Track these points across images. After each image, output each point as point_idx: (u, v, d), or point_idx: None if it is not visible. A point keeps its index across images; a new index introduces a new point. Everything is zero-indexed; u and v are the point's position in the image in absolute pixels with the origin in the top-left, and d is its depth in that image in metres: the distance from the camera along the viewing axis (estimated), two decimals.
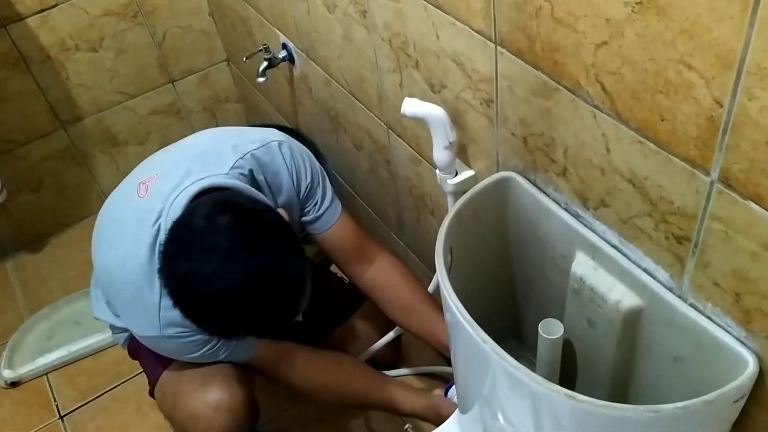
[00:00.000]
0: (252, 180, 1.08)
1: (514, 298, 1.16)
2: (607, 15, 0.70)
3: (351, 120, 1.47)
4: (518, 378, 0.77)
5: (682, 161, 0.71)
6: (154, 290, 0.99)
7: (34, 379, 1.79)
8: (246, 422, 1.16)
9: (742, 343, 0.75)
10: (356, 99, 1.39)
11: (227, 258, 0.87)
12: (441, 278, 0.87)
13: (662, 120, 0.70)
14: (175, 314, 0.95)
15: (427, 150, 1.22)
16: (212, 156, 1.07)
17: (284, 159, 1.12)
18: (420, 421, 1.32)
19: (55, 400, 1.74)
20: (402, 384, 1.33)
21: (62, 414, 1.71)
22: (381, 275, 1.26)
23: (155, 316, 1.00)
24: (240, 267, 0.87)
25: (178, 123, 2.14)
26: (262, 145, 1.11)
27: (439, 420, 1.20)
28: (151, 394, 1.25)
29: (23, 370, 1.79)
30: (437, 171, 1.11)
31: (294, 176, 1.13)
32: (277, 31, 1.59)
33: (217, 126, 2.14)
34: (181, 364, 1.16)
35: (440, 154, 1.06)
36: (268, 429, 1.57)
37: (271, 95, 1.91)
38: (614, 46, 0.71)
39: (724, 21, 0.58)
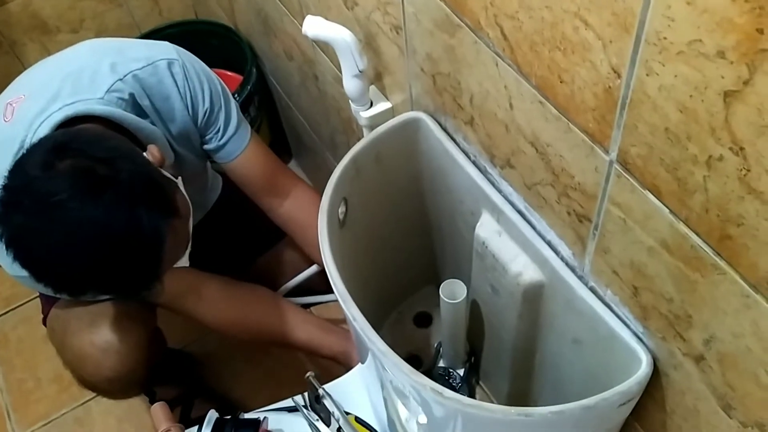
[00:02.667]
0: (135, 106, 0.94)
1: (431, 247, 1.06)
2: None
3: (279, 26, 1.31)
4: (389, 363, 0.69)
5: (581, 132, 0.59)
6: None
7: None
8: (140, 363, 1.08)
9: (639, 339, 0.66)
10: (280, 2, 1.23)
11: (64, 211, 0.76)
12: (321, 239, 0.77)
13: (561, 82, 0.58)
14: None
15: None
16: (86, 76, 0.92)
17: (175, 81, 0.98)
18: (326, 365, 1.25)
19: None
20: (322, 325, 1.25)
21: None
22: (296, 210, 1.15)
23: None
24: (80, 222, 0.76)
25: (116, 9, 1.95)
26: (148, 65, 0.96)
27: (349, 367, 1.14)
28: (45, 323, 1.17)
29: None
30: (350, 101, 0.98)
31: (188, 101, 1.00)
32: None
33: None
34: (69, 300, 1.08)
35: (349, 83, 0.93)
36: (193, 350, 1.52)
37: None
38: None
39: None
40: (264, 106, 1.67)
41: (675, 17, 0.43)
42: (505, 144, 0.73)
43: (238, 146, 1.07)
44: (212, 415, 0.96)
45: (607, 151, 0.57)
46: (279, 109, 1.69)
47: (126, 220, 0.76)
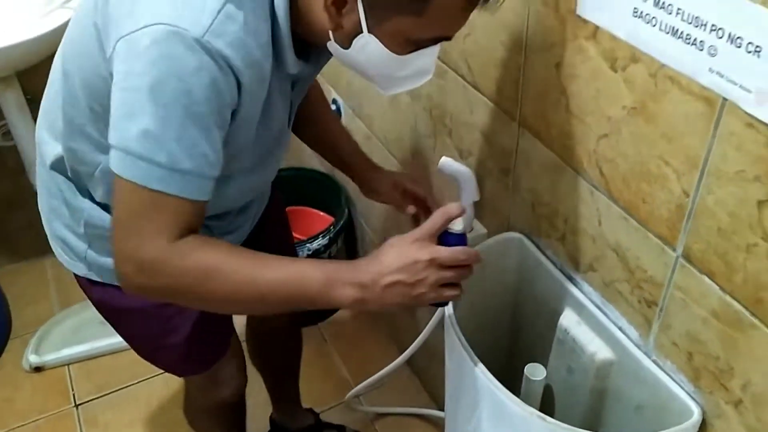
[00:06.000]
0: None
1: (503, 348, 1.31)
2: (609, 114, 0.88)
3: None
4: (503, 401, 0.92)
5: (656, 238, 0.88)
6: None
7: (56, 367, 1.94)
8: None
9: (691, 396, 0.90)
10: (392, 155, 1.57)
11: None
12: (451, 319, 1.03)
13: (643, 203, 0.87)
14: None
15: None
16: None
17: None
18: None
19: (72, 390, 1.88)
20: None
21: (77, 403, 1.85)
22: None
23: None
24: None
25: None
26: None
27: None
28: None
29: (48, 357, 1.94)
30: None
31: None
32: (330, 88, 1.79)
33: None
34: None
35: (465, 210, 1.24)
36: None
37: None
38: (612, 139, 0.89)
39: (694, 132, 0.76)
40: (345, 243, 1.98)
41: (727, 157, 0.73)
42: (591, 253, 1.01)
43: None
44: None
45: (674, 249, 0.85)
46: (359, 245, 1.99)
47: None
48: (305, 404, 1.70)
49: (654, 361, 0.95)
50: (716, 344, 0.84)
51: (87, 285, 1.12)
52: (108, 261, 1.05)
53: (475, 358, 0.97)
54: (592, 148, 0.93)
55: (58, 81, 0.98)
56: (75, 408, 1.84)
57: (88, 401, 1.85)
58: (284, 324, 1.52)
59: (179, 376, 1.31)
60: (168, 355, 1.21)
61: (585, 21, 0.86)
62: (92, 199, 1.03)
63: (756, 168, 0.71)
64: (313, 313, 1.98)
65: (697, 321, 0.86)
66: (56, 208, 1.08)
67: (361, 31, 0.83)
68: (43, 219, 1.13)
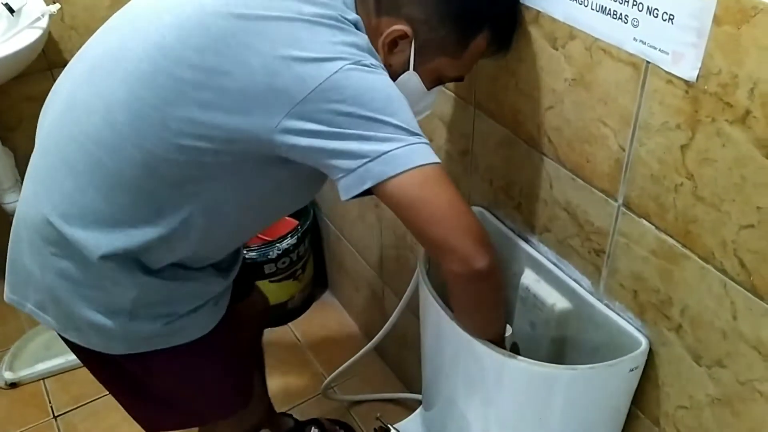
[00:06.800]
0: None
1: None
2: (554, 87, 1.01)
3: None
4: (479, 348, 1.04)
5: (600, 192, 1.01)
6: None
7: (32, 382, 1.96)
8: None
9: (639, 330, 1.03)
10: None
11: None
12: (422, 277, 1.15)
13: (587, 162, 1.01)
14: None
15: None
16: None
17: None
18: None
19: (50, 402, 1.91)
20: None
21: (56, 414, 1.88)
22: None
23: None
24: None
25: None
26: None
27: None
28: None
29: (23, 373, 1.97)
30: None
31: None
32: None
33: None
34: None
35: None
36: None
37: None
38: (557, 109, 1.02)
39: (625, 94, 0.90)
40: (311, 243, 2.07)
41: (654, 111, 0.87)
42: (545, 215, 1.14)
43: None
44: None
45: (616, 200, 0.99)
46: (325, 243, 2.09)
47: None
48: (283, 404, 1.77)
49: (606, 305, 1.08)
50: (656, 279, 0.97)
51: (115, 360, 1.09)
52: (152, 328, 1.04)
53: (451, 314, 1.08)
54: (540, 120, 1.07)
55: (100, 172, 0.92)
56: (54, 419, 1.87)
57: (66, 412, 1.88)
58: (255, 330, 1.58)
59: (222, 419, 1.30)
60: (210, 404, 1.25)
61: (528, 8, 1.00)
62: (145, 271, 0.99)
63: (676, 118, 0.85)
64: (284, 312, 2.06)
65: (639, 261, 0.99)
66: (88, 296, 1.01)
67: (407, 69, 0.97)
68: (53, 308, 1.07)
